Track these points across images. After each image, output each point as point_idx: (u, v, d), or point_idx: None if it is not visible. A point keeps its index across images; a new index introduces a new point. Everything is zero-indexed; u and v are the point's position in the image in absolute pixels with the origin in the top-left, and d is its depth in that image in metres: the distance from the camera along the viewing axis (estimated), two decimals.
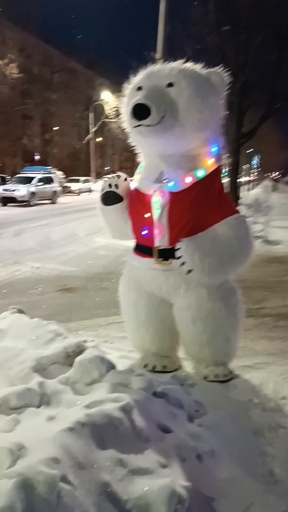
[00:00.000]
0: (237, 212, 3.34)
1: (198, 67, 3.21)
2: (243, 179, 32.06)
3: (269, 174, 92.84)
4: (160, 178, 3.26)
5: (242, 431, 2.82)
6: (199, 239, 3.15)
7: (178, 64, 3.22)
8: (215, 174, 3.29)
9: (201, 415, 2.94)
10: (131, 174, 3.67)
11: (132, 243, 3.63)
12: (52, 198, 27.89)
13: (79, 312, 5.87)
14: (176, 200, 3.19)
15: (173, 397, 2.88)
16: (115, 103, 45.30)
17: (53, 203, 27.62)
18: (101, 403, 2.34)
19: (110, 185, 3.41)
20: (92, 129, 47.98)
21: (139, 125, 3.03)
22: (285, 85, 16.53)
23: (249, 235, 3.30)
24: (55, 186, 28.49)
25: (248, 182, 41.89)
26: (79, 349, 3.14)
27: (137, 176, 3.47)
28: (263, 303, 6.04)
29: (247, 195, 28.62)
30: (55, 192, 28.29)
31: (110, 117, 47.13)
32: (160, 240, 3.28)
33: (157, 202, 3.24)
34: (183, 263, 3.12)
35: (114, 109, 45.45)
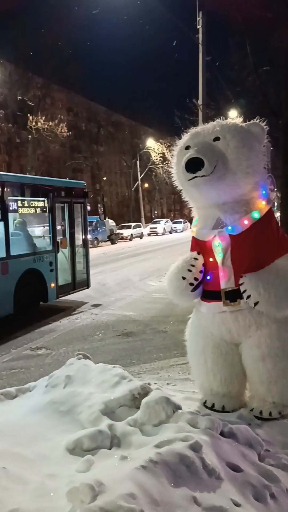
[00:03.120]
0: None
1: (238, 121, 3.46)
2: None
3: None
4: (217, 225, 3.43)
5: None
6: (261, 273, 3.26)
7: (219, 121, 3.49)
8: (269, 214, 3.46)
9: (272, 454, 2.91)
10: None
11: None
12: None
13: (140, 356, 5.97)
14: (238, 242, 3.35)
15: (242, 436, 2.88)
16: (160, 149, 46.75)
17: None
18: (171, 443, 2.40)
19: (196, 279, 3.43)
20: (140, 176, 49.43)
21: (194, 177, 3.25)
22: None
23: None
24: None
25: None
26: (145, 391, 3.22)
27: (194, 228, 3.66)
28: None
29: None
30: None
31: (156, 163, 48.51)
32: (226, 282, 3.39)
33: (218, 246, 3.40)
34: (248, 297, 3.20)
35: (160, 155, 46.85)
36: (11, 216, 8.15)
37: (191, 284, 3.42)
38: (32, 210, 9.00)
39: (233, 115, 3.59)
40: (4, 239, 7.69)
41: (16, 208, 8.37)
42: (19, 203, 8.49)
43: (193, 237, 3.64)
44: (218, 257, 3.40)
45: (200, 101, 13.86)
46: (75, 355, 4.18)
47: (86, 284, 10.33)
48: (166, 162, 46.78)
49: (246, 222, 3.34)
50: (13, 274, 7.87)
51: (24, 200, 8.63)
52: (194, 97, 14.54)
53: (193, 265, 3.45)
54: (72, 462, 2.45)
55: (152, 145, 47.92)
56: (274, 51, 14.44)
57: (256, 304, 3.20)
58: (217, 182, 3.24)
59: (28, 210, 8.85)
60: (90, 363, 3.95)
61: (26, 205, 8.72)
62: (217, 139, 3.31)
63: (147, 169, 50.30)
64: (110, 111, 55.05)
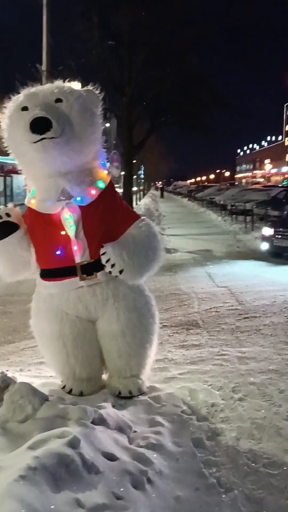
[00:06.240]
0: (139, 216, 3.53)
1: (76, 85, 3.31)
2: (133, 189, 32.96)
3: (155, 183, 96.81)
4: (63, 196, 3.20)
5: (182, 445, 2.84)
6: (121, 241, 3.25)
7: (57, 83, 3.24)
8: (112, 185, 3.45)
9: (140, 435, 2.90)
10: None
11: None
12: None
13: None
14: (88, 213, 3.20)
15: (112, 421, 2.81)
16: None
17: None
18: (46, 442, 2.19)
19: (0, 216, 3.26)
20: None
21: (42, 139, 2.93)
22: (167, 99, 17.36)
23: (158, 234, 3.52)
24: None
25: (137, 191, 43.07)
26: (5, 384, 2.92)
27: (32, 200, 3.33)
28: (173, 312, 6.22)
29: (138, 205, 29.38)
30: None
31: None
32: (81, 256, 3.22)
33: (70, 219, 3.18)
34: (113, 265, 3.16)
35: None
36: None
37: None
38: None
39: (77, 87, 3.36)
40: None
41: None
42: None
43: (30, 209, 3.33)
44: (71, 230, 3.19)
45: (44, 67, 13.19)
46: None
47: None
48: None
49: (93, 192, 3.23)
50: None
51: None
52: (37, 62, 13.77)
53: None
54: None
55: None
56: (118, 28, 14.47)
57: (121, 272, 3.18)
58: (64, 146, 3.01)
59: None
60: None
61: None
62: (59, 100, 3.07)
63: None
64: None
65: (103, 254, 3.18)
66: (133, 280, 3.32)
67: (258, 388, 3.66)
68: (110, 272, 3.20)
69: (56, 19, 13.46)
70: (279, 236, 10.31)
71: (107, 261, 3.16)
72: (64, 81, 3.31)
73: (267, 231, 10.76)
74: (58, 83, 3.25)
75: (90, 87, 3.31)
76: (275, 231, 10.45)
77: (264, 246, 10.73)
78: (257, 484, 2.52)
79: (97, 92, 3.33)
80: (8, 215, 3.26)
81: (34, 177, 3.34)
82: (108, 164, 3.58)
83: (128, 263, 3.18)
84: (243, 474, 2.60)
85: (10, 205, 3.42)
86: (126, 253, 3.18)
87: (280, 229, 10.42)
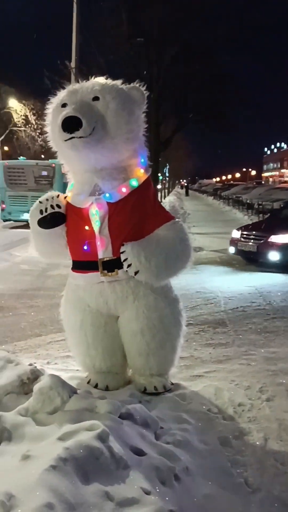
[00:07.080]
0: (173, 217, 3.48)
1: (118, 83, 3.29)
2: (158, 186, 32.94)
3: (180, 181, 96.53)
4: (95, 191, 3.25)
5: (209, 443, 2.82)
6: (142, 242, 3.22)
7: (99, 80, 3.30)
8: (147, 183, 3.40)
9: (166, 432, 2.90)
10: None
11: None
12: None
13: (13, 333, 5.56)
14: (115, 210, 3.21)
15: (139, 416, 2.81)
16: (22, 111, 44.10)
17: None
18: (75, 434, 2.21)
19: (52, 206, 3.30)
20: (0, 138, 46.19)
21: (71, 138, 3.00)
22: (195, 97, 17.24)
23: (188, 238, 3.44)
24: None
25: (162, 189, 42.99)
26: (34, 376, 2.95)
27: (69, 193, 3.41)
28: (199, 310, 6.18)
29: (163, 202, 29.31)
30: None
31: (18, 125, 45.72)
32: (103, 252, 3.24)
33: (96, 214, 3.22)
34: (129, 265, 3.14)
35: (22, 117, 44.24)
36: None
37: (48, 209, 3.29)
38: None
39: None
40: None
41: None
42: None
43: (66, 202, 3.39)
44: (95, 226, 3.23)
45: (73, 64, 13.29)
46: None
47: None
48: (29, 125, 44.38)
49: (124, 189, 3.23)
50: None
51: None
52: (65, 58, 13.88)
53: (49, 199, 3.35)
54: None
55: (15, 105, 44.84)
56: (148, 24, 14.43)
57: (136, 273, 3.16)
58: (95, 145, 3.04)
59: None
60: None
61: None
62: (96, 98, 3.10)
63: (7, 131, 47.06)
64: None
65: (122, 252, 3.18)
66: (150, 282, 3.26)
67: (286, 389, 3.61)
68: (127, 271, 3.20)
69: (85, 16, 13.54)
70: (243, 240, 10.02)
71: (125, 260, 3.16)
72: (106, 78, 3.33)
73: (235, 233, 10.49)
74: (99, 80, 3.28)
75: (135, 85, 3.31)
76: (241, 234, 10.18)
77: (231, 249, 10.48)
78: (286, 486, 2.48)
79: (142, 89, 3.30)
80: (59, 206, 3.33)
81: (73, 171, 3.43)
82: None
83: (145, 265, 3.14)
84: (271, 475, 2.57)
85: (61, 195, 3.45)
86: (144, 255, 3.14)
87: (245, 232, 10.16)
